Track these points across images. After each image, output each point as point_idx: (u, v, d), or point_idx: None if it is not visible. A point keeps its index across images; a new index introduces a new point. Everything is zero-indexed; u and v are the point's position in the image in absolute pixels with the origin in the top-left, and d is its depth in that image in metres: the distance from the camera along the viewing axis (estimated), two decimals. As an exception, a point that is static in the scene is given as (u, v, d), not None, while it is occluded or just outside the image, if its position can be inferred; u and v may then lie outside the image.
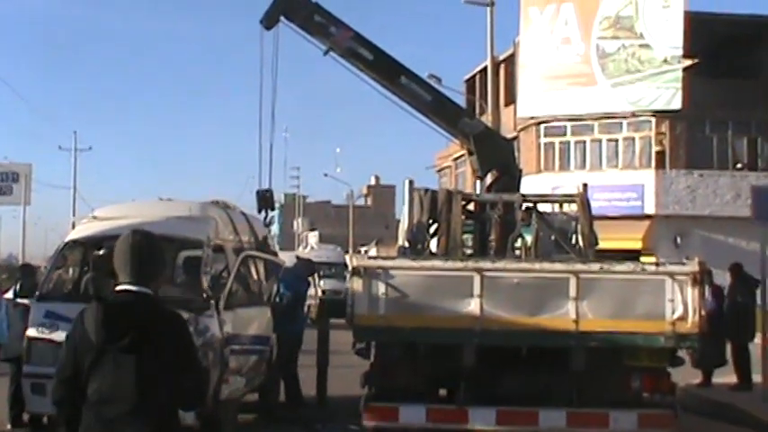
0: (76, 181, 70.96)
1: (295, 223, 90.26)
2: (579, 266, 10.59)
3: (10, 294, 13.64)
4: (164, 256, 5.36)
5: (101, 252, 13.75)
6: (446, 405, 10.96)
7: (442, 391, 11.42)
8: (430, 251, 12.81)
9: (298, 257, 17.82)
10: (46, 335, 11.79)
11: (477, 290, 10.34)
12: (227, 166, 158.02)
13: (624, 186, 35.68)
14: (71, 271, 14.15)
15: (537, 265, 10.75)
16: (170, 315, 5.16)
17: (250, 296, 14.08)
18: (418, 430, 10.79)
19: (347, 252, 53.33)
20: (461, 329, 10.42)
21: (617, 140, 37.14)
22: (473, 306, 10.36)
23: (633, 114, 36.58)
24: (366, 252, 36.90)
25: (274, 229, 15.83)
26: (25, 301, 13.06)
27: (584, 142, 37.72)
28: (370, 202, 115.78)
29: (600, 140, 37.41)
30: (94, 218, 13.66)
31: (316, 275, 27.02)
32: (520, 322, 10.40)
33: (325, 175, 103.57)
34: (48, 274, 13.04)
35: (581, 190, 13.24)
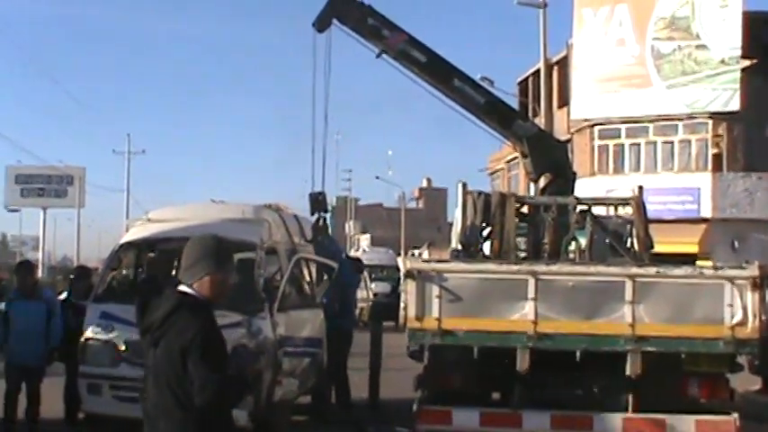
0: (130, 183, 71.70)
1: (347, 226, 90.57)
2: (635, 270, 10.45)
3: (64, 296, 13.75)
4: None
5: (155, 254, 13.87)
6: (500, 408, 10.89)
7: (496, 395, 11.34)
8: (483, 254, 12.73)
9: (347, 256, 17.72)
10: (101, 336, 11.90)
11: (531, 293, 10.26)
12: (281, 168, 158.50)
13: (680, 189, 35.26)
14: (126, 272, 14.27)
15: (592, 269, 10.64)
16: (189, 314, 5.22)
17: (303, 298, 14.08)
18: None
19: (399, 255, 53.30)
20: (515, 333, 10.34)
21: (672, 143, 36.71)
22: (527, 309, 10.28)
23: (689, 116, 36.15)
24: (420, 254, 36.76)
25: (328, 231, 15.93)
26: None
27: (639, 145, 37.33)
28: (421, 204, 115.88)
29: (655, 143, 36.99)
30: (149, 220, 13.77)
31: (366, 278, 27.06)
32: (575, 326, 10.30)
33: (377, 177, 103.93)
34: (103, 276, 13.16)
35: (636, 193, 13.08)
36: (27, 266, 13.17)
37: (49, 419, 12.77)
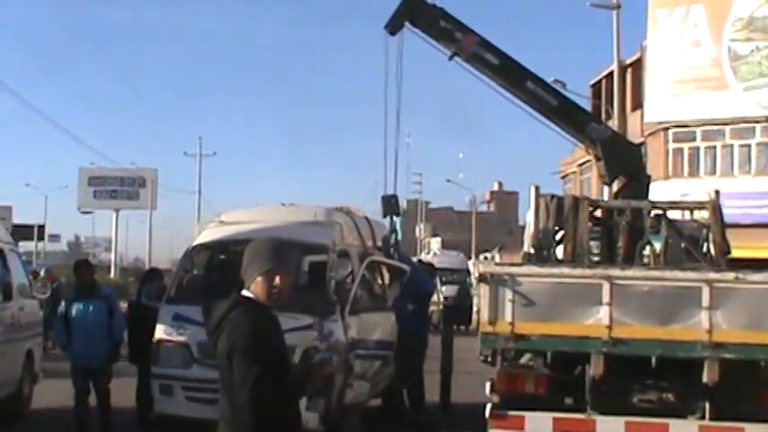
0: (201, 185, 72.34)
1: (417, 229, 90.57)
2: (713, 275, 10.27)
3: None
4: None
5: (226, 256, 13.93)
6: (573, 414, 10.77)
7: (569, 400, 11.23)
8: (556, 258, 12.63)
9: (420, 261, 17.63)
10: (174, 337, 12.00)
11: (606, 298, 10.14)
12: (351, 171, 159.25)
13: (757, 194, 34.48)
14: (198, 274, 14.37)
15: (668, 274, 10.49)
16: (240, 316, 5.24)
17: (375, 301, 14.09)
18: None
19: (469, 258, 53.13)
20: (589, 337, 10.23)
21: (749, 146, 36.02)
22: (602, 314, 10.16)
23: (767, 119, 35.49)
24: (493, 258, 36.52)
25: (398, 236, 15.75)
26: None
27: (715, 148, 36.68)
28: (492, 207, 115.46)
29: (731, 146, 36.32)
30: (221, 222, 13.86)
31: (438, 282, 26.95)
32: (650, 331, 10.16)
33: (448, 180, 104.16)
34: (176, 278, 13.25)
35: (713, 196, 12.88)
36: (85, 265, 13.06)
37: (121, 420, 12.92)
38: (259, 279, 5.29)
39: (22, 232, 33.79)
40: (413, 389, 14.69)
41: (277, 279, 5.32)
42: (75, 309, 12.22)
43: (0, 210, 53.25)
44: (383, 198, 14.87)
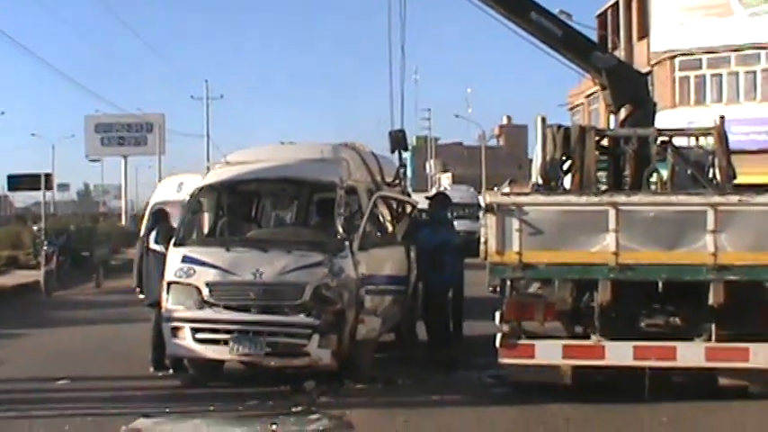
0: (209, 128, 72.15)
1: (427, 165, 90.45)
2: (717, 199, 10.36)
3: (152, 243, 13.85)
4: None
5: (232, 196, 13.92)
6: (582, 341, 10.91)
7: (578, 328, 11.36)
8: (564, 188, 12.68)
9: (431, 197, 17.25)
10: (183, 279, 12.03)
11: (612, 224, 10.24)
12: (355, 108, 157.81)
13: (763, 119, 34.40)
14: (206, 216, 14.37)
15: (673, 198, 10.58)
16: None
17: (384, 236, 14.16)
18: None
19: (480, 192, 53.13)
20: (597, 264, 10.35)
21: (755, 72, 35.82)
22: (608, 241, 10.27)
23: (774, 45, 35.24)
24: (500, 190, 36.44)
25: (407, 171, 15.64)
26: (157, 247, 13.35)
27: (721, 75, 36.52)
28: (502, 142, 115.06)
29: (737, 73, 36.12)
30: (227, 163, 13.83)
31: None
32: (656, 256, 10.27)
33: (457, 116, 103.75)
34: (183, 220, 13.12)
35: (718, 123, 12.89)
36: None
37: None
38: None
39: (29, 182, 33.37)
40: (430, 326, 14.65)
41: None
42: None
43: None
44: (390, 133, 14.84)
